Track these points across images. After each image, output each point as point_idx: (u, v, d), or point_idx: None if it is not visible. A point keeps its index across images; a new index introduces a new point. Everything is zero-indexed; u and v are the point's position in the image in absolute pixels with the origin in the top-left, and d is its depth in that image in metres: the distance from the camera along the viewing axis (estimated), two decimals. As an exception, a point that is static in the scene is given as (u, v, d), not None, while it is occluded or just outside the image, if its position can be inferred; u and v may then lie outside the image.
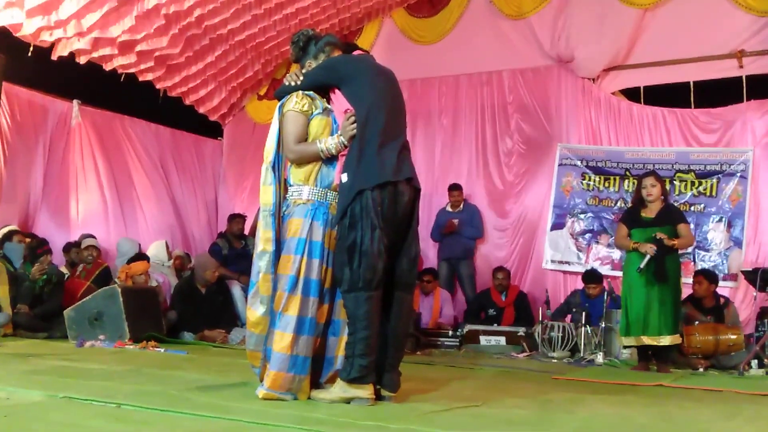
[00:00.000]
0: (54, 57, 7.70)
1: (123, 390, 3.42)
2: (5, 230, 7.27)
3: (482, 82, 9.28)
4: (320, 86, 3.66)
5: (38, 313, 6.77)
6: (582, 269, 8.03)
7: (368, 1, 9.21)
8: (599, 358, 6.60)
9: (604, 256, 8.42)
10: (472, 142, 9.26)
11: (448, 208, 8.78)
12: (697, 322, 6.66)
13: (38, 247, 7.00)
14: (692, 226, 7.06)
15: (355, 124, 3.46)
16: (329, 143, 3.49)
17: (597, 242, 8.48)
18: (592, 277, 7.58)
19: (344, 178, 3.44)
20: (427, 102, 9.47)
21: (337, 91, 3.72)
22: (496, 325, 7.75)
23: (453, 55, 9.34)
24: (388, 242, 3.41)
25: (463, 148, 9.29)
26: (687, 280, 6.93)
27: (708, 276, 7.01)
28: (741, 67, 8.07)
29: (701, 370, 6.21)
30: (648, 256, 5.89)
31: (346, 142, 3.48)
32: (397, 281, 3.52)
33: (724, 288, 7.42)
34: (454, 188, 8.72)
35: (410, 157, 3.62)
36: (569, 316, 7.45)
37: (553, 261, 8.63)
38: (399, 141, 3.54)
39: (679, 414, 3.64)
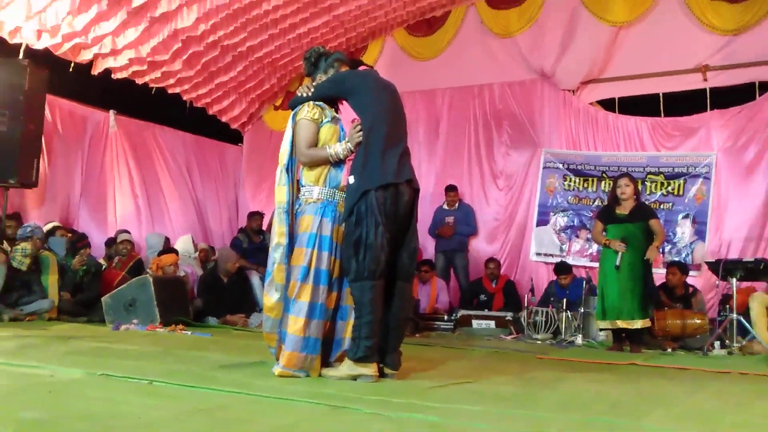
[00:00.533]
0: (94, 72, 7.71)
1: (154, 368, 3.43)
2: (49, 226, 7.28)
3: (474, 94, 9.25)
4: (329, 97, 3.67)
5: (79, 300, 6.80)
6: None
7: (372, 22, 9.18)
8: (578, 339, 6.60)
9: (583, 249, 8.42)
10: (465, 148, 9.23)
11: (445, 206, 8.76)
12: (666, 308, 6.66)
13: (78, 241, 7.03)
14: (662, 221, 7.05)
15: (360, 132, 3.46)
16: (338, 149, 3.49)
17: (577, 237, 8.48)
18: (561, 268, 7.61)
19: (351, 180, 3.44)
20: (426, 112, 9.44)
21: (344, 102, 3.72)
22: (486, 310, 7.74)
23: (448, 70, 9.31)
24: (390, 237, 3.41)
25: (458, 152, 9.26)
26: (657, 270, 6.91)
27: (681, 267, 7.05)
28: (705, 80, 8.06)
29: (669, 350, 6.19)
30: (620, 253, 5.91)
31: (352, 148, 3.49)
32: (398, 272, 3.52)
33: (689, 277, 7.40)
34: (450, 189, 8.70)
35: (410, 161, 3.62)
36: (549, 306, 7.44)
37: (538, 254, 8.62)
38: (400, 147, 3.54)
39: (651, 390, 3.63)
